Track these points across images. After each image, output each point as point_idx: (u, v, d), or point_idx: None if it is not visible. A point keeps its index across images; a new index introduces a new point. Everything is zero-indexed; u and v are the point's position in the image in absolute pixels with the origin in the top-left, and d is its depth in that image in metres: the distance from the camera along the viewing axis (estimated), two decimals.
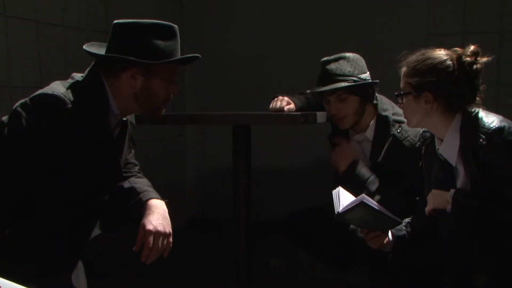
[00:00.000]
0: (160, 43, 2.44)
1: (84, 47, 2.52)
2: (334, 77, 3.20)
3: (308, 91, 3.34)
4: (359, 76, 3.21)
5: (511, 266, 2.51)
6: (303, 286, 3.74)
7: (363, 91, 3.24)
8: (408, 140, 3.13)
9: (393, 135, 3.19)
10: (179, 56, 2.51)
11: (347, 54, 3.26)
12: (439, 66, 2.64)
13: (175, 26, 2.52)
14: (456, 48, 2.69)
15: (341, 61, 3.23)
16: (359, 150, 3.36)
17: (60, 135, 2.28)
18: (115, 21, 2.48)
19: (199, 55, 2.58)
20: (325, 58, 3.28)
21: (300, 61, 5.03)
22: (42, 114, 2.27)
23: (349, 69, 3.21)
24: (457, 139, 2.64)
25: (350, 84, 3.18)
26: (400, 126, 3.15)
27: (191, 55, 2.55)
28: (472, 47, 2.65)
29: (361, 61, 3.29)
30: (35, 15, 3.81)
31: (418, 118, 2.71)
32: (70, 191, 2.40)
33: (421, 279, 2.91)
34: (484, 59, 2.65)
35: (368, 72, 3.29)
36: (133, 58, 2.39)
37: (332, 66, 3.22)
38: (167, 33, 2.48)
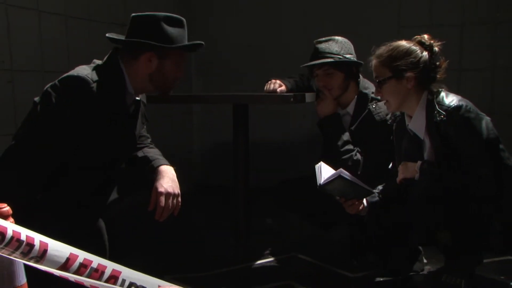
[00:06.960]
0: (172, 31, 2.46)
1: (108, 35, 2.52)
2: (323, 54, 3.23)
3: (301, 66, 3.34)
4: (344, 55, 3.22)
5: (470, 225, 2.52)
6: (293, 241, 3.75)
7: (347, 69, 3.25)
8: (379, 115, 3.15)
9: (368, 109, 3.20)
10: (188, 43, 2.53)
11: (337, 37, 3.29)
12: (411, 49, 2.66)
13: (183, 18, 2.53)
14: (415, 37, 2.71)
15: (330, 42, 3.26)
16: None
17: (84, 111, 2.28)
18: (133, 14, 2.49)
19: (203, 43, 2.58)
20: (318, 39, 3.31)
21: (290, 49, 5.02)
22: (69, 93, 2.28)
23: (336, 48, 3.23)
24: (424, 116, 2.65)
25: (335, 60, 3.19)
26: (376, 103, 3.16)
27: (198, 42, 2.55)
28: (425, 35, 2.71)
29: (348, 44, 3.31)
30: (64, 10, 3.80)
31: (400, 100, 2.70)
32: (93, 160, 2.40)
33: (393, 236, 2.93)
34: (438, 43, 2.68)
35: (354, 54, 3.29)
36: (152, 42, 2.40)
37: (322, 45, 3.25)
38: (177, 23, 2.50)
